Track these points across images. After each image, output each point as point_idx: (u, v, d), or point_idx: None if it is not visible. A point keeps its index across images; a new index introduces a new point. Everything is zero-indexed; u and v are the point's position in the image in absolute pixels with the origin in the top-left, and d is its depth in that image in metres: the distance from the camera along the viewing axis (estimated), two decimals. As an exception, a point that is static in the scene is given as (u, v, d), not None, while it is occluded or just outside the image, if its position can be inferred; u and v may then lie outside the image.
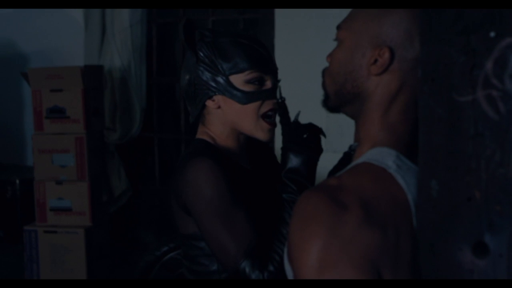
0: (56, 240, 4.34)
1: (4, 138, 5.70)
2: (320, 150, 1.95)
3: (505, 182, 1.00)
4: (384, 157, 1.27)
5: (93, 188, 4.39)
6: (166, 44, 5.17)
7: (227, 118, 1.97)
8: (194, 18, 5.00)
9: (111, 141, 4.91)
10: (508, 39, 0.99)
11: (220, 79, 1.93)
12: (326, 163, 1.97)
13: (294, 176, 1.86)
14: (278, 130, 1.98)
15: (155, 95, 5.17)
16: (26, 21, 5.45)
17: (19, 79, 5.13)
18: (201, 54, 1.96)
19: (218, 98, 1.96)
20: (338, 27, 1.41)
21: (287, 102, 1.97)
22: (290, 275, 1.25)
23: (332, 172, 1.55)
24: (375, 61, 1.31)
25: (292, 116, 1.98)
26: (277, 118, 1.98)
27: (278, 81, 1.99)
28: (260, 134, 1.96)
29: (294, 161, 1.87)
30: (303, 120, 1.98)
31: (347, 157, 1.62)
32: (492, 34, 1.00)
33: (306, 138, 1.91)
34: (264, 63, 1.95)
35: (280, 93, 1.97)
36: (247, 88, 1.93)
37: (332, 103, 1.43)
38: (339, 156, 1.76)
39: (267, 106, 1.95)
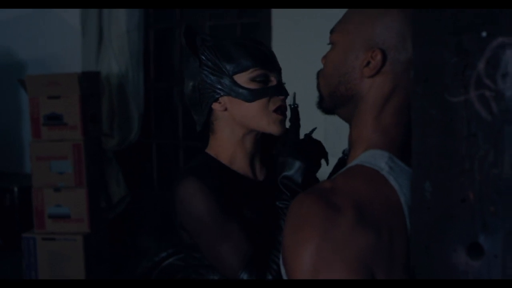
0: (54, 247, 4.33)
1: (2, 145, 5.70)
2: (318, 164, 1.94)
3: (498, 182, 1.00)
4: (377, 159, 1.27)
5: (91, 195, 4.39)
6: (163, 49, 5.17)
7: (235, 119, 1.95)
8: (192, 23, 5.00)
9: (109, 147, 4.91)
10: (500, 39, 0.98)
11: (224, 80, 1.93)
12: (324, 166, 1.97)
13: (289, 183, 1.85)
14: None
15: (153, 101, 5.17)
16: (23, 28, 5.45)
17: (16, 87, 5.13)
18: (204, 58, 1.96)
19: (224, 99, 1.95)
20: (332, 30, 1.41)
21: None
22: (285, 278, 1.25)
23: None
24: (368, 63, 1.31)
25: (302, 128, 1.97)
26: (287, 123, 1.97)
27: (284, 83, 1.99)
28: (272, 127, 1.94)
29: (291, 168, 1.86)
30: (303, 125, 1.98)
31: (342, 162, 1.62)
32: (484, 34, 1.00)
33: (309, 150, 1.90)
34: (267, 60, 1.95)
35: (294, 100, 1.96)
36: (253, 85, 1.92)
37: (326, 105, 1.43)
38: (336, 160, 1.75)
39: (274, 103, 1.94)
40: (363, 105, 1.34)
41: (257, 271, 1.80)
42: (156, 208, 5.14)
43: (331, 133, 2.54)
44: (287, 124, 1.97)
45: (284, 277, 1.25)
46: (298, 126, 1.97)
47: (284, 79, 2.00)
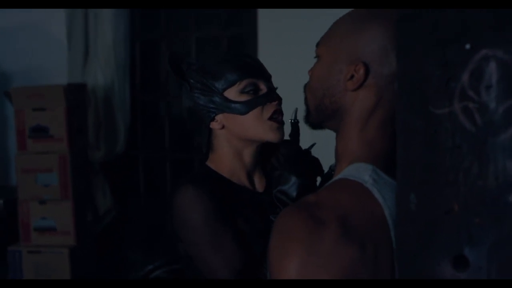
0: (40, 260, 4.30)
1: (-12, 158, 5.66)
2: (314, 181, 1.94)
3: (483, 194, 1.00)
4: (361, 172, 1.27)
5: (77, 207, 4.37)
6: (149, 61, 5.16)
7: (233, 134, 1.96)
8: (178, 35, 5.00)
9: (95, 159, 4.89)
10: (483, 51, 0.99)
11: (216, 98, 1.94)
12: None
13: (284, 197, 1.85)
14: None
15: (139, 113, 5.16)
16: (8, 40, 5.43)
17: (1, 99, 5.10)
18: (192, 81, 1.97)
19: (219, 117, 1.96)
20: (317, 44, 1.42)
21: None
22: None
23: None
24: (352, 76, 1.31)
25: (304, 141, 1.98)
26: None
27: (276, 88, 1.99)
28: (269, 135, 1.94)
29: (286, 182, 1.86)
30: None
31: (328, 177, 1.62)
32: (467, 46, 1.00)
33: (305, 166, 1.91)
34: (253, 69, 1.96)
35: (296, 115, 1.97)
36: (243, 98, 1.93)
37: (313, 119, 1.44)
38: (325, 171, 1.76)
39: (269, 110, 1.94)
40: (347, 118, 1.34)
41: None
42: (143, 220, 5.12)
43: (319, 145, 2.54)
44: (287, 134, 1.98)
45: (270, 290, 1.25)
46: (298, 141, 1.98)
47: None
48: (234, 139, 1.97)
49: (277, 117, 1.95)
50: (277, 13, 4.14)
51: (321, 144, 1.99)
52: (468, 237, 1.02)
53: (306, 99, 1.44)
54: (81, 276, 4.35)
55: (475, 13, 1.00)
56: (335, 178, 1.31)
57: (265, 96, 1.94)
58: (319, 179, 1.96)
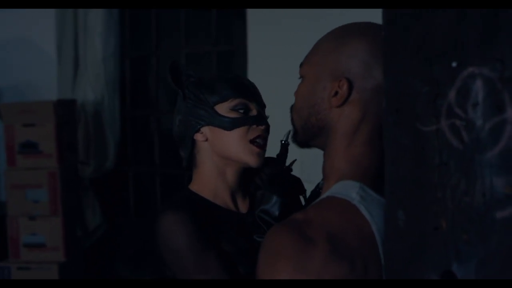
0: (29, 277, 4.28)
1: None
2: (297, 200, 1.94)
3: (470, 210, 1.01)
4: (348, 189, 1.27)
5: (67, 223, 4.35)
6: (139, 77, 5.17)
7: (215, 150, 1.96)
8: (168, 51, 5.02)
9: (85, 175, 4.88)
10: (470, 69, 1.00)
11: (206, 111, 1.95)
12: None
13: (266, 217, 1.85)
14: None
15: (129, 129, 5.16)
16: (-2, 55, 5.43)
17: (-9, 114, 5.09)
18: (187, 92, 1.98)
19: (205, 129, 1.96)
20: (301, 64, 1.43)
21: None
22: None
23: None
24: (336, 93, 1.32)
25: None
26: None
27: (268, 116, 2.00)
28: (248, 158, 1.94)
29: (268, 202, 1.86)
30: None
31: (314, 195, 1.62)
32: (454, 64, 1.01)
33: (287, 185, 1.91)
34: (247, 91, 1.97)
35: (288, 137, 1.97)
36: (233, 115, 1.93)
37: (300, 138, 1.44)
38: (313, 186, 1.76)
39: (254, 132, 1.94)
40: (333, 135, 1.34)
41: None
42: (133, 236, 5.11)
43: (308, 160, 2.54)
44: (275, 153, 1.98)
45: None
46: (283, 162, 1.98)
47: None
48: (215, 156, 1.97)
49: (260, 142, 1.95)
50: (267, 28, 4.15)
51: (309, 162, 1.99)
52: (456, 253, 1.02)
53: (292, 119, 1.45)
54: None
55: (462, 30, 1.01)
56: (323, 196, 1.31)
57: (253, 118, 1.95)
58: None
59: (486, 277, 1.00)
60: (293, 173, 2.01)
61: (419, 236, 1.07)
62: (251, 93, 1.98)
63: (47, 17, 5.06)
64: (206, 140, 1.97)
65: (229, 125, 1.93)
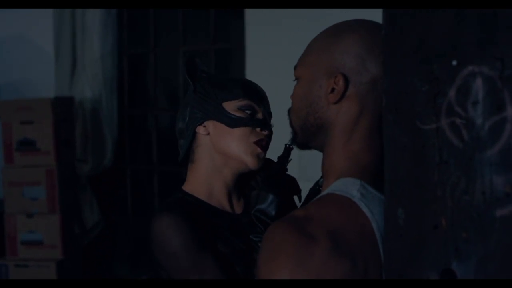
0: (27, 274, 4.28)
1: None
2: (292, 200, 1.95)
3: (470, 209, 1.01)
4: (348, 187, 1.27)
5: (64, 221, 4.35)
6: (137, 75, 5.17)
7: (216, 145, 1.96)
8: (166, 49, 5.02)
9: (83, 172, 4.88)
10: (470, 68, 1.00)
11: (213, 105, 1.95)
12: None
13: (263, 216, 1.85)
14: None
15: (127, 126, 5.16)
16: (-4, 53, 5.43)
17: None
18: (198, 86, 1.99)
19: (208, 124, 1.96)
20: (295, 66, 1.44)
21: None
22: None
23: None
24: (332, 90, 1.33)
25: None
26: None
27: (273, 125, 2.00)
28: (248, 158, 1.94)
29: (264, 201, 1.86)
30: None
31: (313, 193, 1.62)
32: (454, 62, 1.02)
33: (283, 184, 1.90)
34: (257, 95, 1.98)
35: (292, 141, 1.97)
36: (239, 114, 1.94)
37: (299, 139, 1.45)
38: (311, 184, 1.76)
39: (257, 135, 1.95)
40: (332, 131, 1.35)
41: None
42: (131, 233, 5.11)
43: (306, 158, 2.55)
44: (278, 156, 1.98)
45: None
46: (284, 165, 1.97)
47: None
48: (215, 153, 1.97)
49: (262, 143, 1.95)
50: (265, 27, 4.15)
51: (307, 162, 1.99)
52: (456, 251, 1.03)
53: (290, 121, 1.46)
54: (68, 290, 4.33)
55: (461, 29, 1.02)
56: (323, 193, 1.32)
57: (259, 121, 1.96)
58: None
59: (485, 275, 1.00)
60: (289, 172, 2.01)
61: (419, 235, 1.07)
62: (260, 98, 1.99)
63: (45, 16, 5.05)
64: (208, 134, 1.97)
65: (233, 123, 1.93)
